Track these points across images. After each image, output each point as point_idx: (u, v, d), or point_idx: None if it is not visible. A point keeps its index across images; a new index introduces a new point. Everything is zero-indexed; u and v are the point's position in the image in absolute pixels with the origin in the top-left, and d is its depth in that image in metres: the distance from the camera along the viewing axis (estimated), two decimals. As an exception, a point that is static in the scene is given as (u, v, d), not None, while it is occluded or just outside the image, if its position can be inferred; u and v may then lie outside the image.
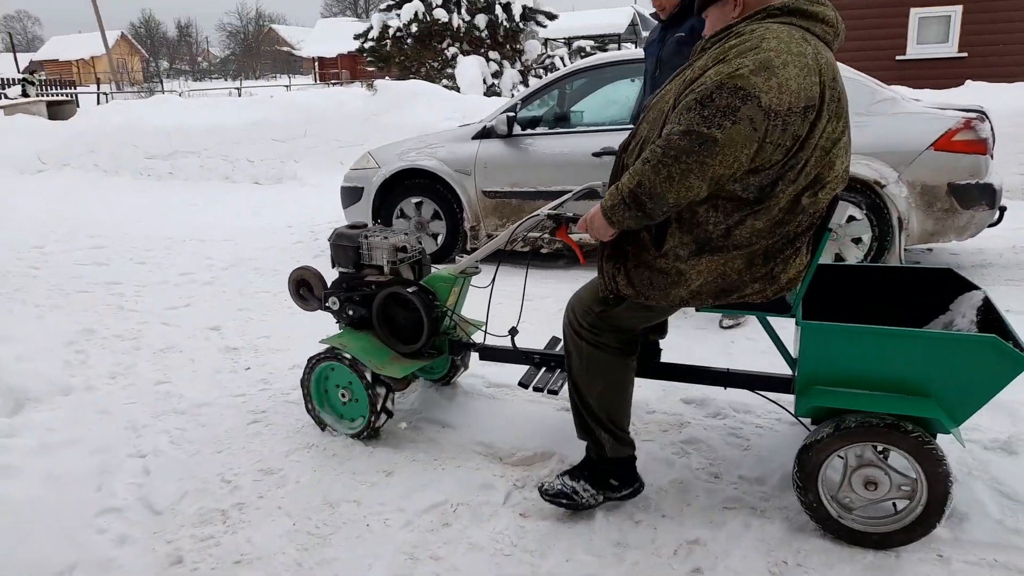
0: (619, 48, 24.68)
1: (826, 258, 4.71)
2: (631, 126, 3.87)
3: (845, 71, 4.87)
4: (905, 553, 2.16)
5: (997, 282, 4.81)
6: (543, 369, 2.90)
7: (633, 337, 2.38)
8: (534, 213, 2.58)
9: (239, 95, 22.35)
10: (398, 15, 17.53)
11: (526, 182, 5.43)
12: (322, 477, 2.68)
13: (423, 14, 16.93)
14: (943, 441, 2.25)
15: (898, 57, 13.68)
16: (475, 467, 2.73)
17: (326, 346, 2.93)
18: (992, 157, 4.64)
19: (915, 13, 13.56)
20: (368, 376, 2.83)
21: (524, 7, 17.45)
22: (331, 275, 3.15)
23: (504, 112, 5.57)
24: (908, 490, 2.15)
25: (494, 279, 2.88)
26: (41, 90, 20.14)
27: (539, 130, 5.56)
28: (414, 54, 17.53)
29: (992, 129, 4.68)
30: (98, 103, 23.47)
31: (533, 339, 3.34)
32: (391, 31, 17.68)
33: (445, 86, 13.49)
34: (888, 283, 2.64)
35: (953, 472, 2.09)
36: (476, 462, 2.77)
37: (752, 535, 2.28)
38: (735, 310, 2.29)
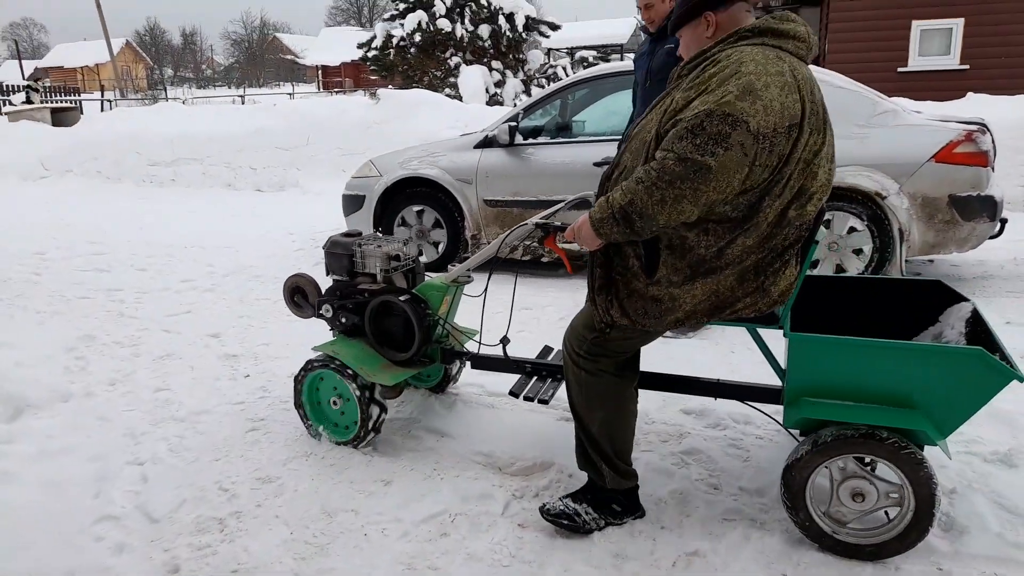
0: (621, 58, 24.78)
1: (827, 269, 4.71)
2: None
3: (846, 83, 4.89)
4: (905, 565, 2.15)
5: (998, 294, 4.81)
6: (534, 378, 2.90)
7: (629, 360, 2.38)
8: (524, 222, 2.60)
9: (242, 103, 22.42)
10: (402, 24, 17.62)
11: (527, 191, 5.44)
12: (320, 486, 2.67)
13: (427, 24, 17.01)
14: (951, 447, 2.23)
15: (900, 69, 13.71)
16: (474, 477, 2.72)
17: (318, 353, 2.94)
18: (993, 169, 4.65)
19: (917, 25, 13.59)
20: (358, 382, 2.84)
21: (527, 17, 17.54)
22: (326, 282, 3.16)
23: (506, 121, 5.58)
24: (896, 497, 2.15)
25: (486, 288, 2.89)
26: (45, 97, 20.20)
27: (541, 140, 5.58)
28: (417, 63, 17.61)
29: (993, 141, 4.68)
30: (102, 110, 23.55)
31: (534, 349, 3.34)
32: (395, 40, 17.77)
33: (448, 95, 13.53)
34: (879, 295, 2.66)
35: (935, 474, 2.09)
36: (475, 472, 2.76)
37: (752, 547, 2.27)
38: (728, 323, 2.29)
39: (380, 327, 2.96)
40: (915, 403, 2.11)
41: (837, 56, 13.66)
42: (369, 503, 2.56)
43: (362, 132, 10.86)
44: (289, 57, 63.61)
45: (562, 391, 2.63)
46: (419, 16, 17.04)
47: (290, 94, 35.73)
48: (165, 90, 45.29)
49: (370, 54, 18.80)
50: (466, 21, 17.20)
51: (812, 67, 5.20)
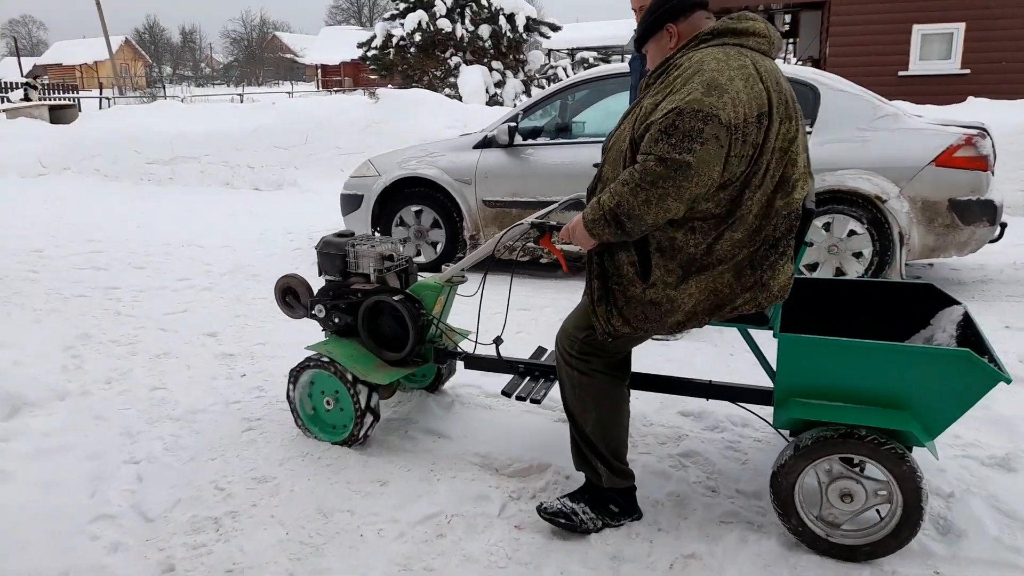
0: (622, 60, 24.78)
1: (827, 272, 4.71)
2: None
3: (847, 86, 4.89)
4: (903, 569, 2.15)
5: (998, 298, 4.81)
6: (527, 378, 2.90)
7: (621, 360, 2.38)
8: (519, 222, 2.60)
9: (241, 101, 22.41)
10: (402, 24, 17.63)
11: (526, 192, 5.43)
12: (316, 486, 2.66)
13: (427, 23, 17.02)
14: (942, 445, 2.23)
15: (900, 73, 13.73)
16: (470, 478, 2.71)
17: (311, 353, 2.94)
18: (993, 173, 4.65)
19: (918, 29, 13.61)
20: (350, 379, 2.83)
21: (528, 18, 17.56)
22: (319, 283, 3.15)
23: (505, 122, 5.57)
24: (885, 494, 2.15)
25: (482, 289, 2.88)
26: (44, 94, 20.19)
27: (540, 140, 5.57)
28: (417, 63, 17.62)
29: (993, 146, 4.69)
30: (100, 108, 23.54)
31: (531, 350, 3.33)
32: (395, 40, 17.78)
33: (447, 95, 13.53)
34: (871, 298, 2.67)
35: (919, 467, 2.09)
36: (471, 473, 2.75)
37: (749, 550, 2.26)
38: (719, 324, 2.29)
39: (374, 327, 2.95)
40: (903, 404, 2.12)
41: (838, 59, 13.68)
42: (365, 503, 2.55)
43: (361, 131, 10.86)
44: (288, 56, 63.66)
45: (555, 391, 2.63)
46: (419, 16, 17.06)
47: (289, 93, 35.74)
48: (164, 88, 45.27)
49: (370, 53, 18.82)
50: (466, 21, 17.21)
51: (812, 68, 5.21)
